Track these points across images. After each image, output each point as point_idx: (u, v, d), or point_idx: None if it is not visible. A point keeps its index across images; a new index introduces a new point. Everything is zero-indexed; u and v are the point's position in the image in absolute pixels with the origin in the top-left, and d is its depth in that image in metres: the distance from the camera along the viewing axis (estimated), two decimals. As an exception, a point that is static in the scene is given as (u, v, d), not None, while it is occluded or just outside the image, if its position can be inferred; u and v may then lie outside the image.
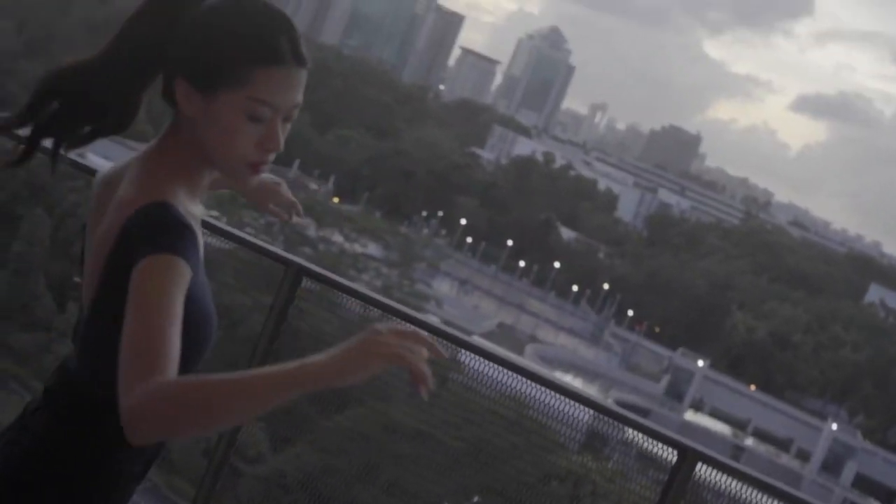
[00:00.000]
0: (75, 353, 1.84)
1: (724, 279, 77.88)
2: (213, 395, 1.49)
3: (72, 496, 1.78)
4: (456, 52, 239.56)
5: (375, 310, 3.79)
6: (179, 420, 1.48)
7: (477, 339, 4.26)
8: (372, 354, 1.51)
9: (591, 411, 3.78)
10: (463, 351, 3.67)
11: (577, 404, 3.67)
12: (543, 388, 3.57)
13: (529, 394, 4.60)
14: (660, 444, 3.38)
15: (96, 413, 1.77)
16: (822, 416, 65.64)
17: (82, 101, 1.79)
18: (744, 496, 3.26)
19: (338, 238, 39.79)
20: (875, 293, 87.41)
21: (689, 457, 3.27)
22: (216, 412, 1.49)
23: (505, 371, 3.64)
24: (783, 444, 64.15)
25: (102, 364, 1.71)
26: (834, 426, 60.41)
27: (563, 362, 59.13)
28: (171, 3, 1.78)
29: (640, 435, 3.49)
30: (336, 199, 59.26)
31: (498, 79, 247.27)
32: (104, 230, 1.74)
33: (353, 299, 3.77)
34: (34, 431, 1.79)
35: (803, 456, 61.08)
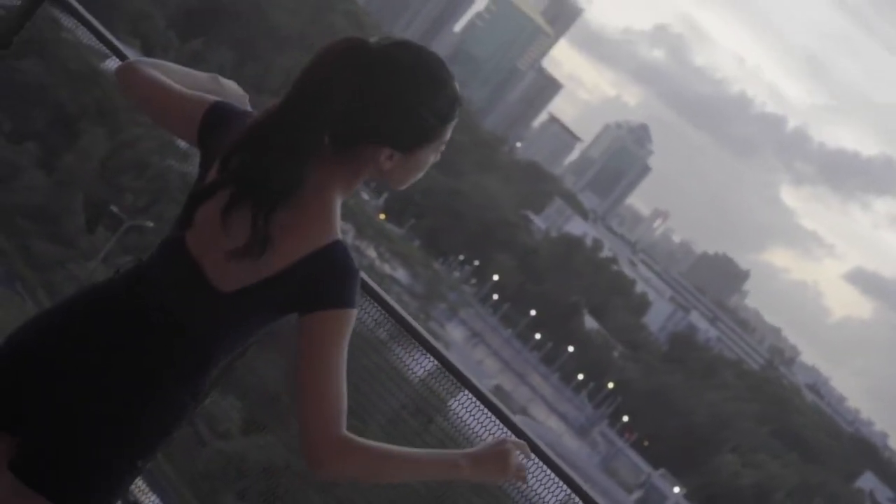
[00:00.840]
0: (194, 317, 2.01)
1: (726, 417, 77.19)
2: (384, 467, 1.92)
3: (165, 434, 2.04)
4: (543, 117, 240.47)
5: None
6: (354, 475, 1.92)
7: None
8: (506, 474, 2.00)
9: (566, 490, 3.72)
10: (454, 399, 3.64)
11: (552, 481, 3.63)
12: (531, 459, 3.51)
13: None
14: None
15: (207, 371, 2.04)
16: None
17: (258, 181, 1.93)
18: None
19: (372, 253, 39.88)
20: (867, 481, 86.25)
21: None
22: (382, 478, 1.94)
23: (497, 425, 3.58)
24: None
25: (234, 338, 2.04)
26: None
27: (544, 443, 58.67)
28: (346, 75, 1.92)
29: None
30: (382, 216, 59.41)
31: (574, 154, 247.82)
32: (291, 232, 1.93)
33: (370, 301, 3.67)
34: (166, 384, 2.01)
35: None
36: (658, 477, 67.07)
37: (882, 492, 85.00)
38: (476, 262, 77.08)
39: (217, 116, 2.08)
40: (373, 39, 1.97)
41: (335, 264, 1.93)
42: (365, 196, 55.89)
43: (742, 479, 68.89)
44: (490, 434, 3.78)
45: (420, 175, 2.04)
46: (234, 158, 1.94)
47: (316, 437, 1.87)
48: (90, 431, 1.99)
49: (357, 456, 1.88)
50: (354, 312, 1.92)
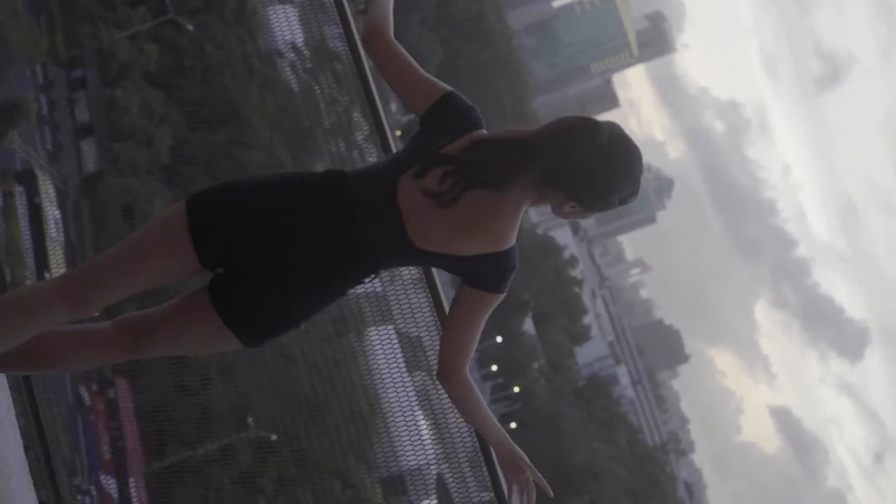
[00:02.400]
0: (380, 248, 2.60)
1: (600, 471, 78.10)
2: (473, 407, 2.73)
3: (320, 311, 2.69)
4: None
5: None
6: (457, 398, 2.72)
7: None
8: (513, 475, 2.77)
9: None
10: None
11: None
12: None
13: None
14: None
15: (366, 281, 2.68)
16: None
17: (478, 169, 2.53)
18: None
19: (371, 160, 39.85)
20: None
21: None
22: (469, 410, 2.73)
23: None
24: None
25: (396, 267, 2.76)
26: None
27: (430, 407, 59.13)
28: (580, 147, 2.54)
29: None
30: (399, 132, 59.25)
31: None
32: (483, 232, 2.55)
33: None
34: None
35: None
36: (515, 492, 67.91)
37: None
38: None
39: (446, 106, 2.64)
40: (607, 125, 2.60)
41: (508, 264, 2.59)
42: (393, 108, 55.64)
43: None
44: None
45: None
46: (475, 149, 2.54)
47: (451, 368, 2.66)
48: (281, 289, 2.56)
49: (465, 391, 2.70)
50: (503, 296, 2.62)
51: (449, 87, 2.66)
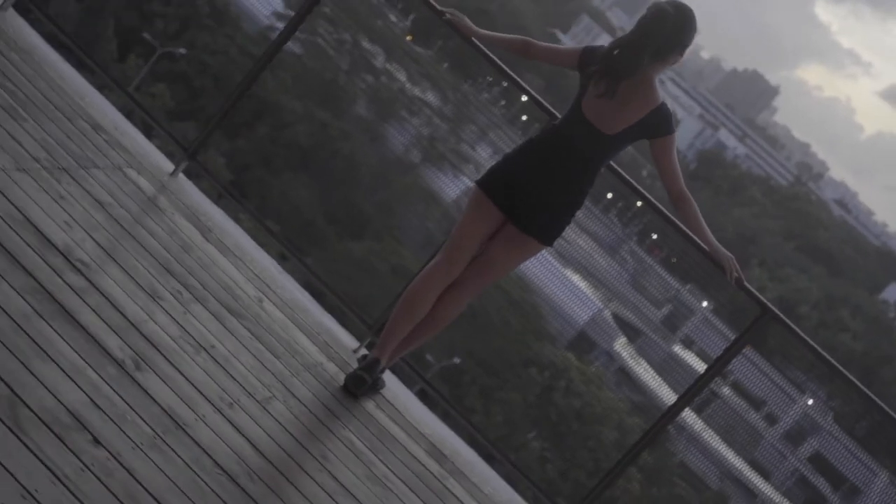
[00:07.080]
0: (593, 150, 4.13)
1: (752, 233, 77.81)
2: (698, 215, 4.36)
3: (577, 209, 4.37)
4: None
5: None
6: (684, 212, 4.35)
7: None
8: (728, 263, 4.51)
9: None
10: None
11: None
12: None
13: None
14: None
15: (594, 181, 4.27)
16: (802, 390, 66.19)
17: (615, 66, 4.02)
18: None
19: (401, 76, 39.83)
20: (892, 292, 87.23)
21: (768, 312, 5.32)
22: (687, 218, 4.42)
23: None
24: (756, 402, 64.86)
25: (609, 159, 4.23)
26: (810, 401, 61.07)
27: (574, 262, 59.49)
28: (679, 24, 4.02)
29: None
30: (409, 38, 58.76)
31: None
32: (640, 102, 4.03)
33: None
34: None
35: (771, 419, 61.88)
36: (686, 292, 67.98)
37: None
38: (504, 84, 76.47)
39: (586, 55, 4.14)
40: (671, 5, 3.96)
41: (666, 112, 4.03)
42: (392, 18, 55.13)
43: (768, 292, 69.86)
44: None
45: None
46: (609, 59, 3.96)
47: (675, 190, 4.14)
48: (553, 207, 4.11)
49: (690, 205, 4.23)
50: (675, 134, 4.07)
51: (581, 46, 4.16)
